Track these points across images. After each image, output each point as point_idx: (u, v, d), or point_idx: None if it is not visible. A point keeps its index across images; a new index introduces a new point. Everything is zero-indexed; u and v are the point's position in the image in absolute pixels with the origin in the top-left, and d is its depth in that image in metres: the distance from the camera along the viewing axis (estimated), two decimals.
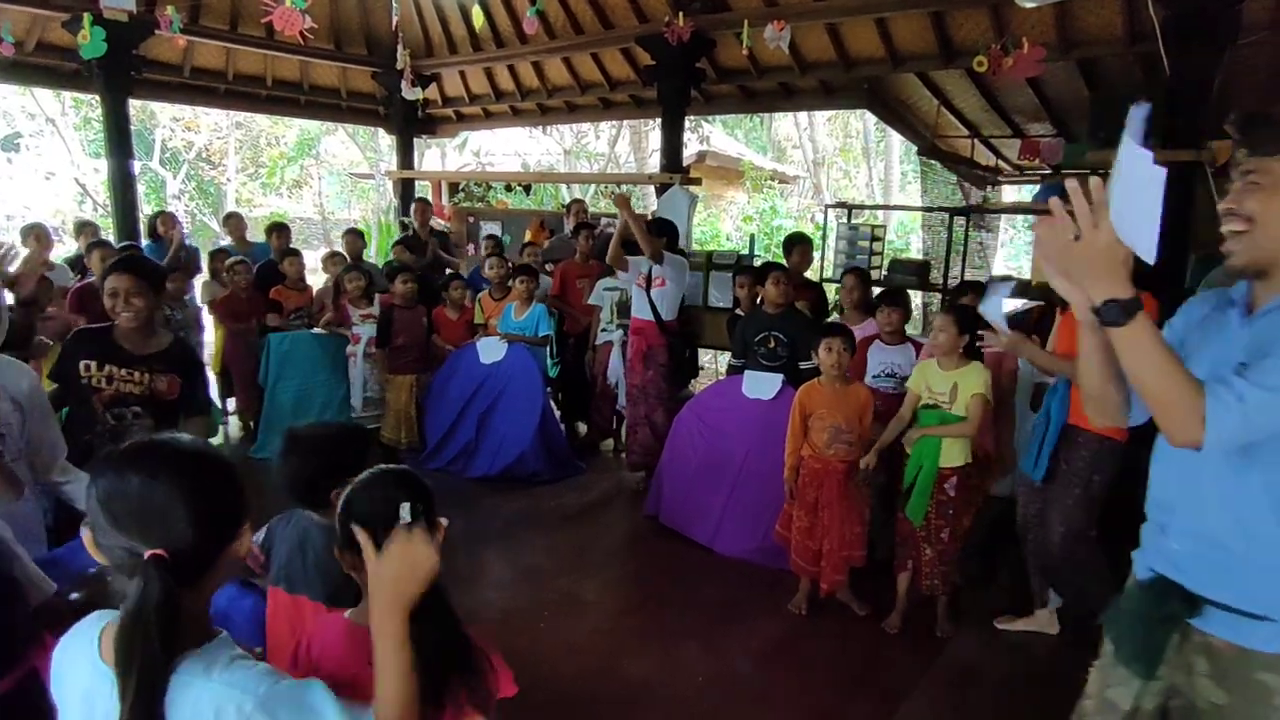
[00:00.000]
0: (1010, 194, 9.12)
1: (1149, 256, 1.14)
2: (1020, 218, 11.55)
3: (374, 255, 11.13)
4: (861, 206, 7.71)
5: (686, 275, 4.81)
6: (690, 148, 13.04)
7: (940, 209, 7.17)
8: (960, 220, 6.20)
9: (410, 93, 6.73)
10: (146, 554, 0.96)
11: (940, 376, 3.07)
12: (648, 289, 4.63)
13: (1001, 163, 7.83)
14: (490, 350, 5.08)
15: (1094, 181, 1.14)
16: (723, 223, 13.27)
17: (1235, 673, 1.32)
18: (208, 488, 1.02)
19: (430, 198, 8.76)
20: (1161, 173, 1.15)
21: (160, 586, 0.94)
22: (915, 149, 7.72)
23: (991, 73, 4.68)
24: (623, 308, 5.37)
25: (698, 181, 6.32)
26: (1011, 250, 15.04)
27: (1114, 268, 1.16)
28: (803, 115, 15.75)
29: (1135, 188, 1.15)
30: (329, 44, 7.66)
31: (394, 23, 5.68)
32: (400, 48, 6.51)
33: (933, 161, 7.95)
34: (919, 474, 3.05)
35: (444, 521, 1.28)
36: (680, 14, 5.50)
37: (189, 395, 2.50)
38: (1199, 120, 4.05)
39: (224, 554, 1.05)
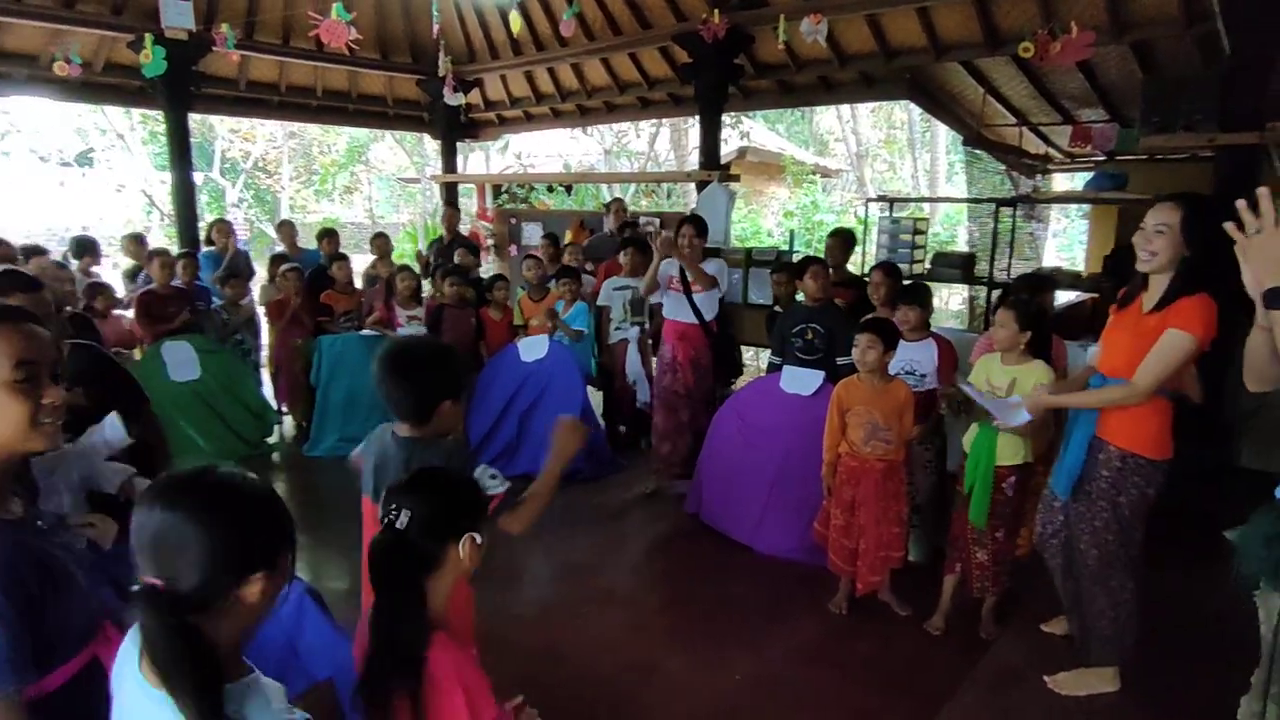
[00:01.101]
0: (1062, 182, 8.81)
1: None
2: (1074, 207, 11.17)
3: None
4: (904, 199, 7.57)
5: (726, 273, 4.68)
6: (730, 144, 12.98)
7: (986, 200, 6.99)
8: (1008, 211, 6.03)
9: (453, 98, 6.87)
10: (143, 581, 0.98)
11: (1000, 371, 2.99)
12: (687, 293, 4.49)
13: (1052, 150, 7.60)
14: (532, 349, 5.15)
15: None
16: (764, 219, 13.17)
17: None
18: (220, 528, 1.01)
19: (475, 200, 8.95)
20: None
21: (154, 615, 0.96)
22: (960, 139, 7.53)
23: (1038, 59, 4.55)
24: (635, 305, 5.42)
25: (736, 178, 6.29)
26: (1064, 240, 14.55)
27: None
28: (845, 108, 15.51)
29: None
30: (375, 54, 7.87)
31: (435, 31, 5.80)
32: (442, 55, 6.65)
33: (978, 151, 7.75)
34: (978, 474, 2.97)
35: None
36: (716, 11, 5.49)
37: (120, 398, 2.39)
38: (1261, 101, 3.88)
39: (231, 596, 1.03)
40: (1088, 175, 7.43)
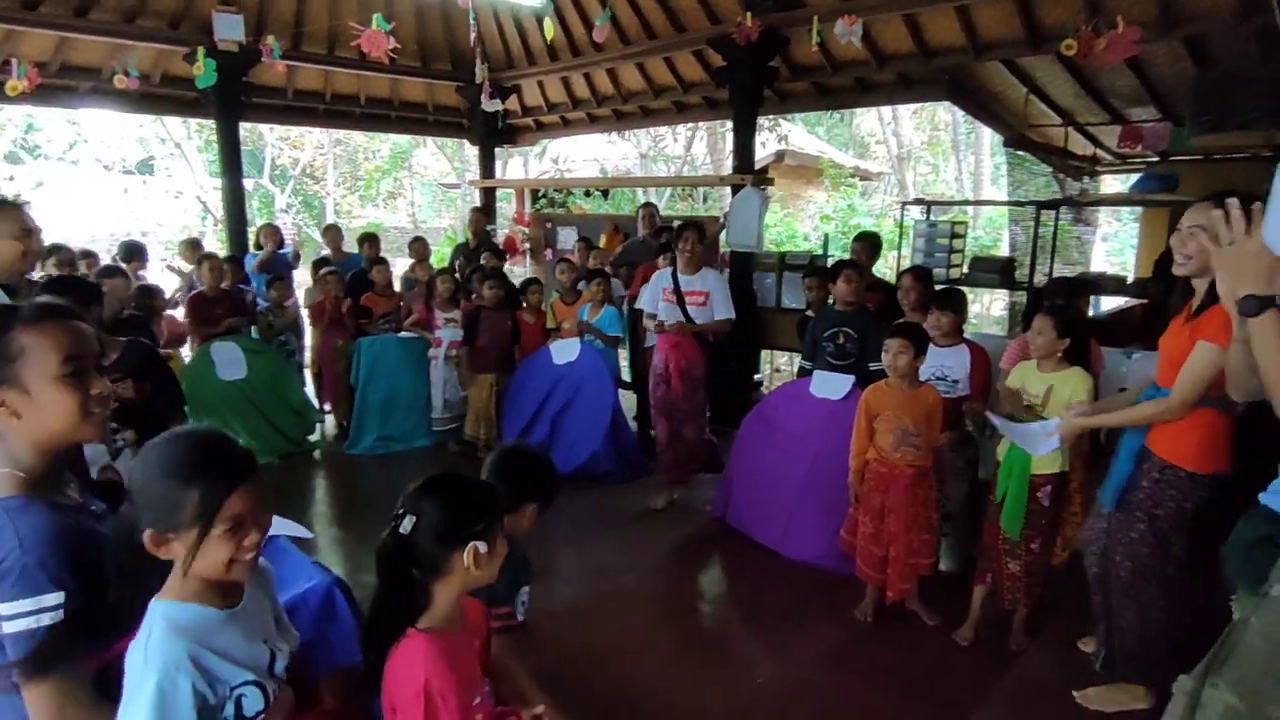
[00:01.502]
0: (1112, 185, 8.54)
1: None
2: (1126, 210, 10.81)
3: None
4: (940, 202, 7.41)
5: (724, 286, 4.46)
6: (769, 147, 12.87)
7: (1026, 202, 6.81)
8: (1052, 214, 5.86)
9: (489, 105, 6.97)
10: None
11: (1037, 378, 2.93)
12: (681, 304, 4.33)
13: (1100, 151, 7.37)
14: (564, 351, 5.21)
15: (1255, 205, 1.41)
16: (801, 222, 13.04)
17: None
18: (146, 485, 1.17)
19: (514, 205, 9.07)
20: None
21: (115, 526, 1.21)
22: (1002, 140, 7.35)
23: (1082, 57, 4.42)
24: None
25: (770, 182, 6.25)
26: (1115, 245, 14.07)
27: (1258, 270, 1.43)
28: (886, 109, 15.31)
29: None
30: (416, 61, 8.04)
31: (473, 39, 5.90)
32: (478, 62, 6.76)
33: (1020, 153, 7.56)
34: (1011, 482, 2.91)
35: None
36: (749, 14, 5.47)
37: (162, 395, 2.62)
38: None
39: (160, 548, 1.16)
40: (1138, 176, 7.19)
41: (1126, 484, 2.47)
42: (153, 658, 1.12)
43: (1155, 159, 7.03)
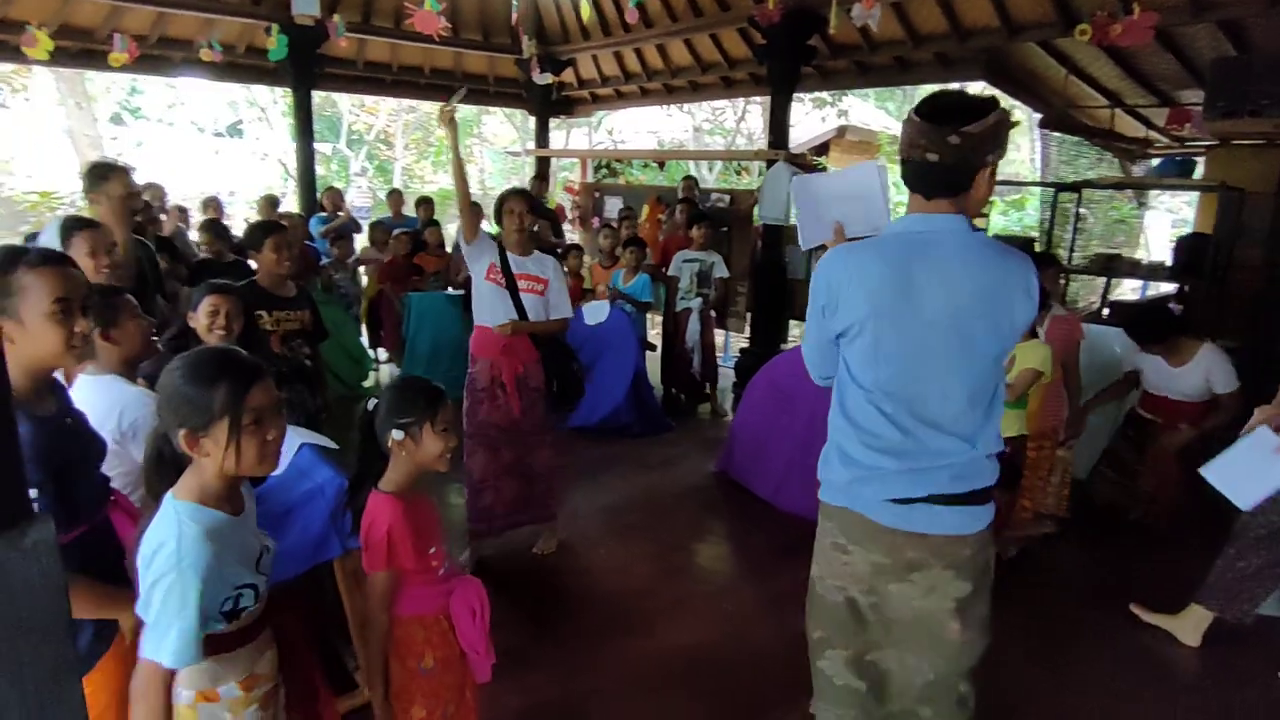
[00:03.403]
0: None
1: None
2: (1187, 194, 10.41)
3: None
4: None
5: (562, 277, 3.49)
6: (828, 123, 12.84)
7: (1045, 184, 6.78)
8: (1090, 195, 5.87)
9: (540, 78, 7.32)
10: None
11: None
12: (511, 288, 3.27)
13: (1153, 134, 7.22)
14: (594, 313, 5.60)
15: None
16: None
17: None
18: (170, 392, 1.32)
19: (578, 174, 9.46)
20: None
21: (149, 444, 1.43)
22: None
23: (1096, 41, 4.47)
24: (701, 277, 5.75)
25: (802, 158, 6.44)
26: (1186, 229, 13.44)
27: None
28: (955, 84, 14.93)
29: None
30: (477, 35, 8.45)
31: (514, 18, 6.26)
32: (525, 38, 7.11)
33: (1056, 134, 7.45)
34: None
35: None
36: None
37: (320, 324, 3.34)
38: None
39: (184, 445, 1.31)
40: (1198, 158, 7.02)
41: None
42: (185, 558, 1.26)
43: (1213, 141, 6.86)
